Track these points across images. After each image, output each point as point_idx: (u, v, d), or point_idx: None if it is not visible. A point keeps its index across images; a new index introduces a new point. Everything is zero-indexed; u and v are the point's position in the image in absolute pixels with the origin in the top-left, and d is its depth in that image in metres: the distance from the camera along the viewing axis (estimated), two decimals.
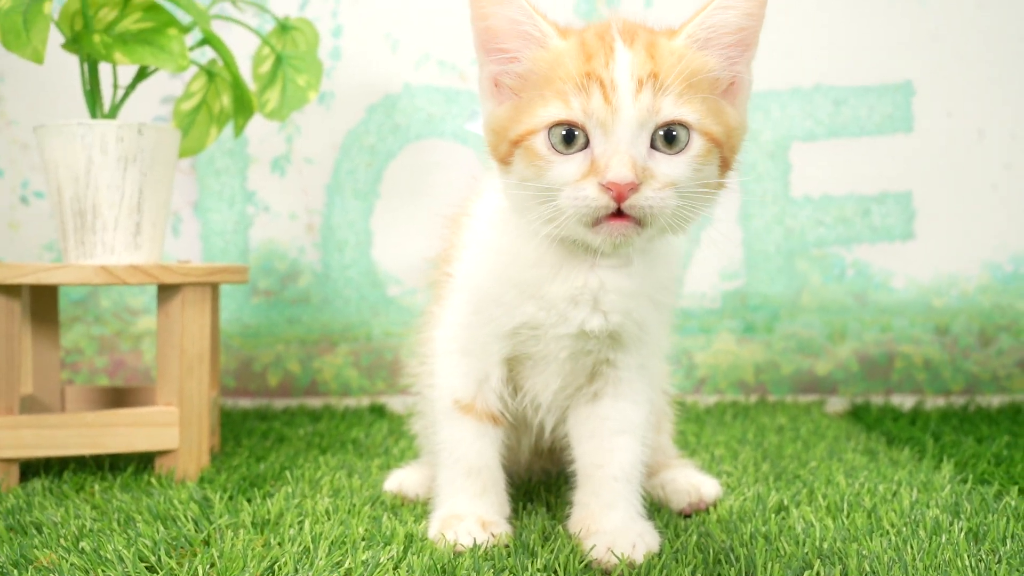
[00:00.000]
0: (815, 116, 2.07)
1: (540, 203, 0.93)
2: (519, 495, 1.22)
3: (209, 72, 1.68)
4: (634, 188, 0.88)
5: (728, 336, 2.09)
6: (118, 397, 1.66)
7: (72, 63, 1.82)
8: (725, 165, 0.95)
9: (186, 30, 1.50)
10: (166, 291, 1.44)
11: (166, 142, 1.51)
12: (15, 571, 0.95)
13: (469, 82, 2.11)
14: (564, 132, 0.91)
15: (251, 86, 1.71)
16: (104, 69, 1.56)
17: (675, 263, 1.07)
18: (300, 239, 2.13)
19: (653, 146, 0.90)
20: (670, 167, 0.90)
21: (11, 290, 1.38)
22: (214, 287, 1.57)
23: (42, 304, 1.58)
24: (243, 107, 1.63)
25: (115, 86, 1.55)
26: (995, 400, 2.02)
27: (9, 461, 1.37)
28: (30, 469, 1.44)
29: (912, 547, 0.99)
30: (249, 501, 1.22)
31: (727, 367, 2.09)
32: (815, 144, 2.07)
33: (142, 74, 1.56)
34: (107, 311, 2.13)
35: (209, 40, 1.55)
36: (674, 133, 0.90)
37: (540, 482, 1.30)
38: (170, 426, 1.41)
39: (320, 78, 1.67)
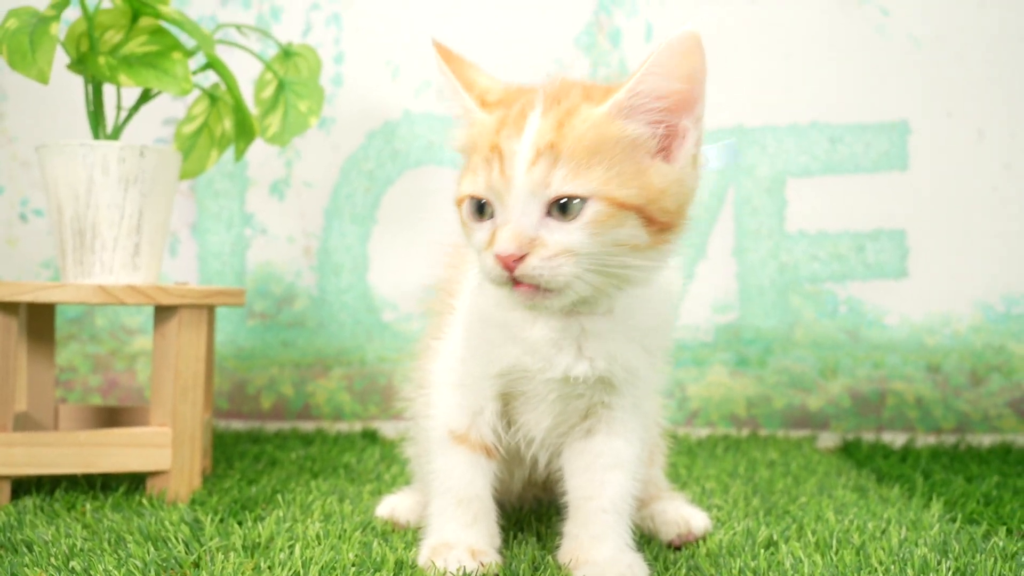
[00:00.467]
0: (811, 152, 2.09)
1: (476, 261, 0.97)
2: (510, 524, 1.23)
3: (212, 96, 1.69)
4: (519, 259, 0.89)
5: (721, 369, 2.10)
6: (111, 417, 1.66)
7: (76, 83, 1.83)
8: (658, 224, 0.91)
9: (190, 54, 1.52)
10: (163, 312, 1.44)
11: (167, 164, 1.52)
12: None
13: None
14: (475, 204, 0.94)
15: (253, 111, 1.73)
16: (108, 90, 1.58)
17: (664, 308, 1.07)
18: (297, 262, 2.14)
19: (550, 213, 0.91)
20: (563, 235, 0.90)
21: (9, 307, 1.39)
22: (210, 309, 1.57)
23: (39, 322, 1.59)
24: (245, 131, 1.64)
25: (118, 107, 1.56)
26: (986, 439, 2.02)
27: (1, 479, 1.37)
28: (21, 487, 1.44)
29: None
30: (240, 524, 1.22)
31: (719, 400, 2.09)
32: (811, 180, 2.09)
33: (145, 96, 1.58)
34: (102, 330, 2.13)
35: (213, 64, 1.56)
36: (565, 203, 0.90)
37: (531, 511, 1.31)
38: (163, 447, 1.42)
39: (321, 104, 1.68)
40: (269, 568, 1.03)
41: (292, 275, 2.13)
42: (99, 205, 1.46)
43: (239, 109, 1.62)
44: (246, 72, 1.91)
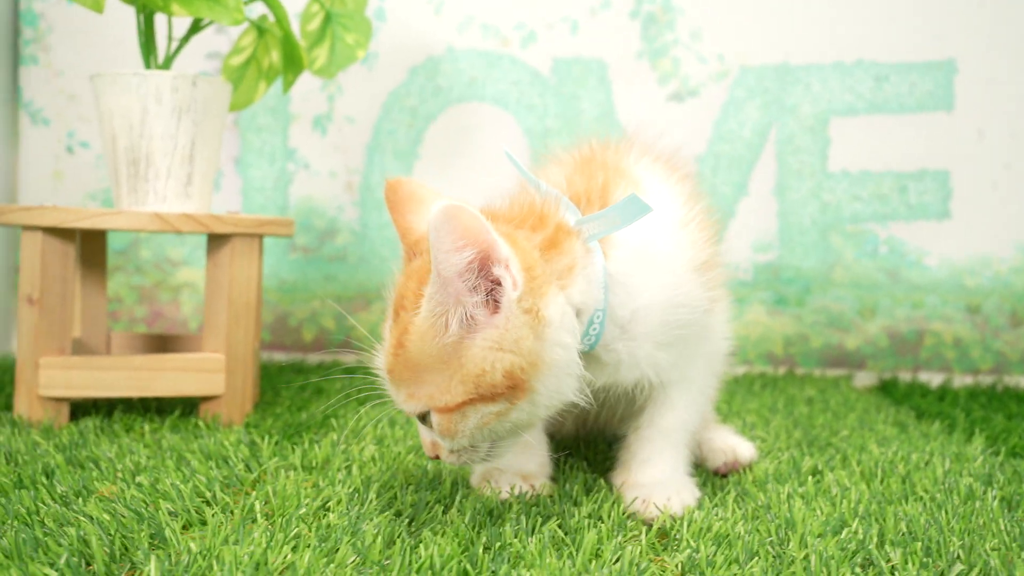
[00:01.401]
0: (855, 91, 2.07)
1: None
2: (560, 449, 1.25)
3: (259, 28, 1.70)
4: (437, 457, 0.95)
5: (759, 308, 2.11)
6: (162, 344, 1.69)
7: (121, 16, 1.84)
8: (503, 393, 0.89)
9: None
10: (216, 241, 1.47)
11: (218, 95, 1.53)
12: (78, 500, 0.99)
13: (511, 47, 2.13)
14: None
15: (300, 43, 1.73)
16: (159, 21, 1.59)
17: (663, 296, 1.01)
18: (339, 197, 2.15)
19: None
20: (440, 440, 0.94)
21: (66, 234, 1.42)
22: (260, 239, 1.59)
23: (91, 250, 1.62)
24: (293, 63, 1.65)
25: (169, 38, 1.57)
26: (1023, 381, 2.03)
27: (60, 400, 1.41)
28: (79, 409, 1.47)
29: (947, 511, 1.02)
30: (295, 446, 1.25)
31: (757, 338, 2.11)
32: (855, 119, 2.08)
33: (195, 27, 1.59)
34: (147, 262, 2.16)
35: None
36: (422, 415, 0.93)
37: (583, 440, 1.33)
38: (216, 372, 1.45)
39: (369, 37, 1.68)
40: (330, 485, 1.06)
41: (334, 210, 2.15)
42: (152, 135, 1.48)
43: (288, 41, 1.63)
44: (291, 4, 1.92)
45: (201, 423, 1.40)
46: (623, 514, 0.99)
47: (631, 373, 1.03)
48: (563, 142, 2.02)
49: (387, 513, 0.96)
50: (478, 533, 0.91)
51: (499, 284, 0.87)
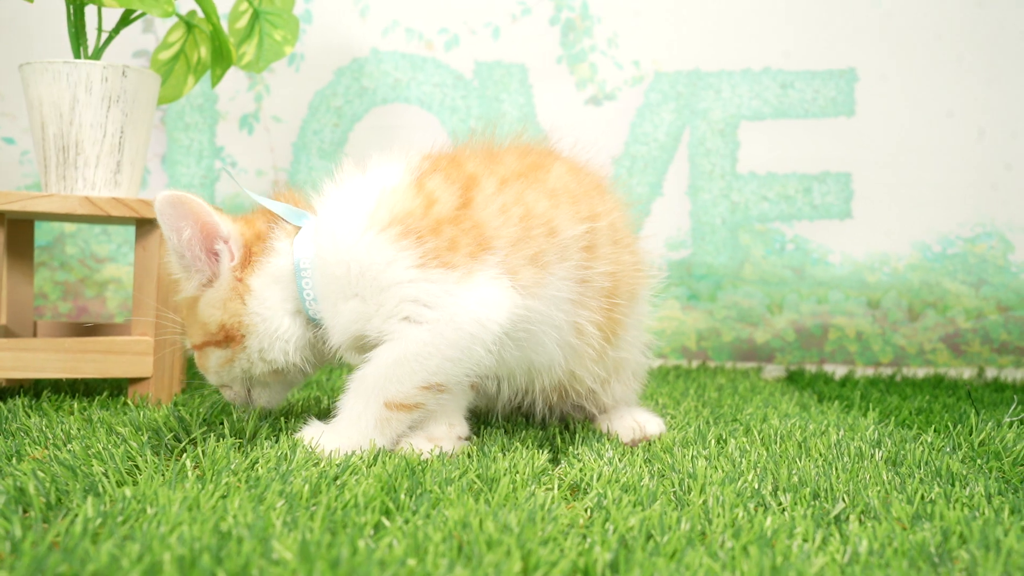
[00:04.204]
0: (763, 97, 2.18)
1: None
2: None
3: (188, 23, 1.74)
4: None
5: (674, 303, 2.19)
6: (88, 333, 1.71)
7: (43, 8, 1.86)
8: (219, 341, 1.19)
9: None
10: (145, 226, 1.50)
11: (147, 85, 1.57)
12: (11, 462, 1.02)
13: (435, 50, 2.19)
14: None
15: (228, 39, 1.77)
16: (88, 14, 1.62)
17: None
18: (265, 195, 2.18)
19: None
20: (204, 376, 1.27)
21: None
22: None
23: (17, 239, 1.63)
24: (221, 58, 1.69)
25: (99, 30, 1.60)
26: (920, 372, 2.15)
27: None
28: (4, 392, 1.49)
29: (836, 468, 1.10)
30: (224, 420, 1.29)
31: (672, 333, 2.19)
32: (762, 123, 2.18)
33: (126, 19, 1.62)
34: (72, 257, 2.17)
35: None
36: None
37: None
38: (145, 355, 1.48)
39: (296, 34, 1.74)
40: (258, 448, 1.11)
41: None
42: (82, 123, 1.51)
43: (217, 35, 1.67)
44: (220, 4, 1.95)
45: (130, 402, 1.43)
46: (536, 469, 1.06)
47: (340, 329, 1.15)
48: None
49: (313, 469, 1.01)
50: (399, 481, 0.96)
51: (218, 257, 1.17)
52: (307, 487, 0.91)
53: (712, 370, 2.10)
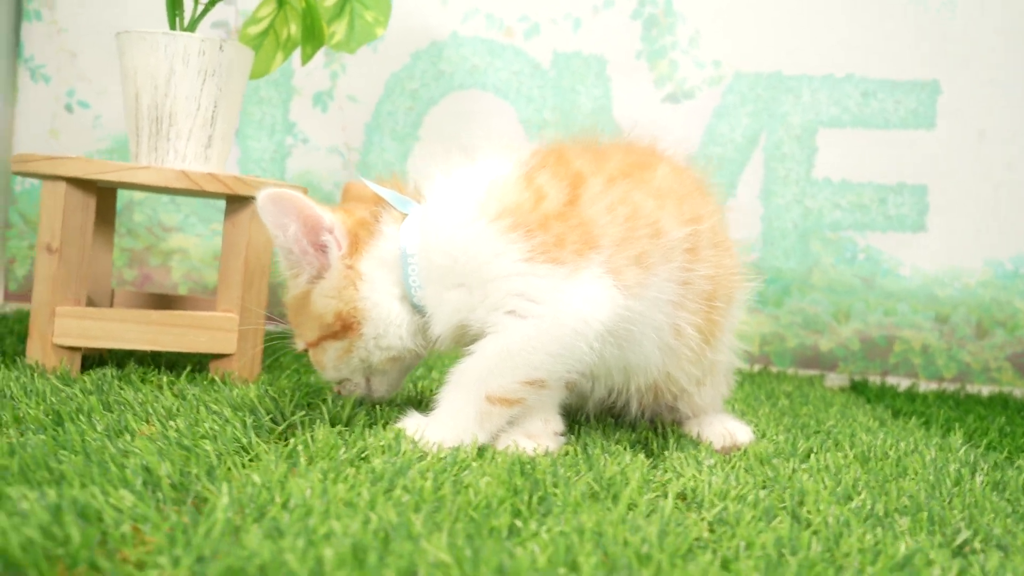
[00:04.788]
0: (843, 104, 2.16)
1: None
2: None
3: (279, 0, 1.73)
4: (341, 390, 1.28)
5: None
6: (166, 303, 1.72)
7: None
8: (338, 332, 1.18)
9: None
10: (236, 202, 1.50)
11: (242, 60, 1.56)
12: (120, 439, 1.02)
13: (515, 38, 2.18)
14: None
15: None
16: None
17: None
18: (337, 174, 2.19)
19: None
20: (320, 373, 1.27)
21: (88, 185, 1.44)
22: None
23: (102, 207, 1.63)
24: (313, 36, 1.68)
25: (196, 1, 1.60)
26: (984, 390, 2.13)
27: (74, 349, 1.43)
28: (87, 361, 1.49)
29: (942, 491, 1.09)
30: (320, 403, 1.29)
31: (736, 335, 2.18)
32: (841, 131, 2.16)
33: None
34: (140, 225, 2.18)
35: None
36: None
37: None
38: (230, 332, 1.48)
39: (388, 15, 1.73)
40: (361, 438, 1.10)
41: (331, 185, 2.18)
42: (177, 95, 1.50)
43: (311, 12, 1.66)
44: None
45: (217, 379, 1.43)
46: (645, 475, 1.05)
47: (443, 318, 1.15)
48: (558, 134, 2.08)
49: (425, 462, 1.00)
50: (517, 481, 0.95)
51: (326, 247, 1.16)
52: (428, 483, 0.91)
53: (775, 375, 2.09)
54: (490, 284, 1.11)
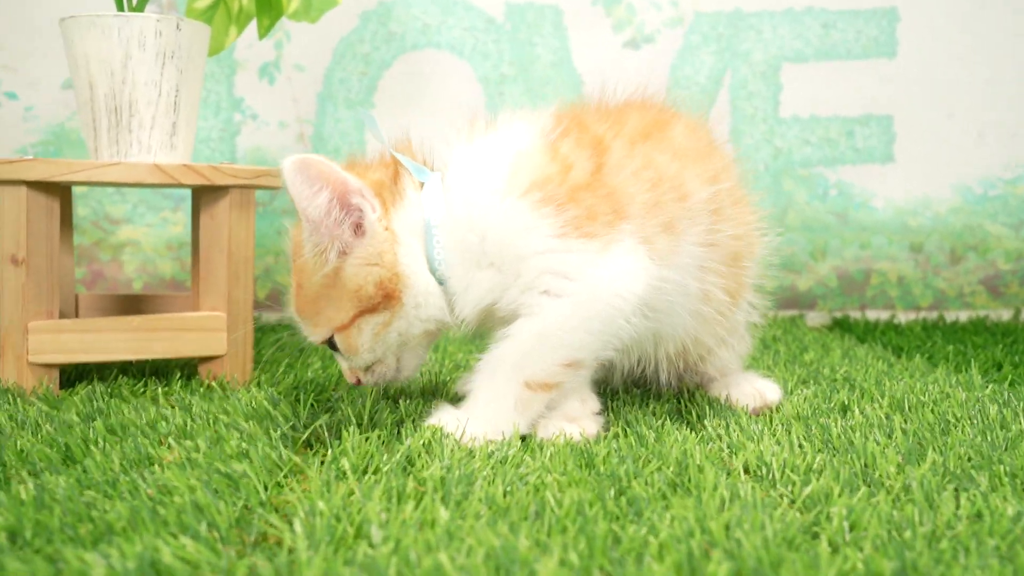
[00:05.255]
0: (805, 37, 2.12)
1: None
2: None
3: None
4: (359, 383, 1.14)
5: None
6: (138, 304, 1.61)
7: None
8: (379, 302, 1.07)
9: None
10: (211, 193, 1.40)
11: (200, 39, 1.45)
12: (147, 470, 0.93)
13: None
14: None
15: None
16: None
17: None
18: (290, 148, 2.08)
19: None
20: (348, 362, 1.12)
21: (52, 188, 1.33)
22: (254, 191, 1.53)
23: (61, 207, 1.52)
24: (270, 6, 1.58)
25: None
26: (961, 315, 2.14)
27: (50, 366, 1.33)
28: (65, 376, 1.39)
29: (997, 439, 1.07)
30: (328, 407, 1.22)
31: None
32: (804, 66, 2.13)
33: None
34: (85, 219, 2.05)
35: None
36: (330, 342, 1.11)
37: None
38: (218, 331, 1.39)
39: None
40: (396, 441, 1.04)
41: None
42: (136, 82, 1.39)
43: None
44: None
45: (213, 384, 1.34)
46: (708, 452, 1.00)
47: (473, 300, 1.09)
48: (518, 89, 2.01)
49: (476, 462, 0.94)
50: (588, 477, 0.90)
51: (360, 211, 1.05)
52: (500, 489, 0.85)
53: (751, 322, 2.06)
54: (523, 263, 1.05)
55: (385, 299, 1.06)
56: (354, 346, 1.09)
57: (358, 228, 1.06)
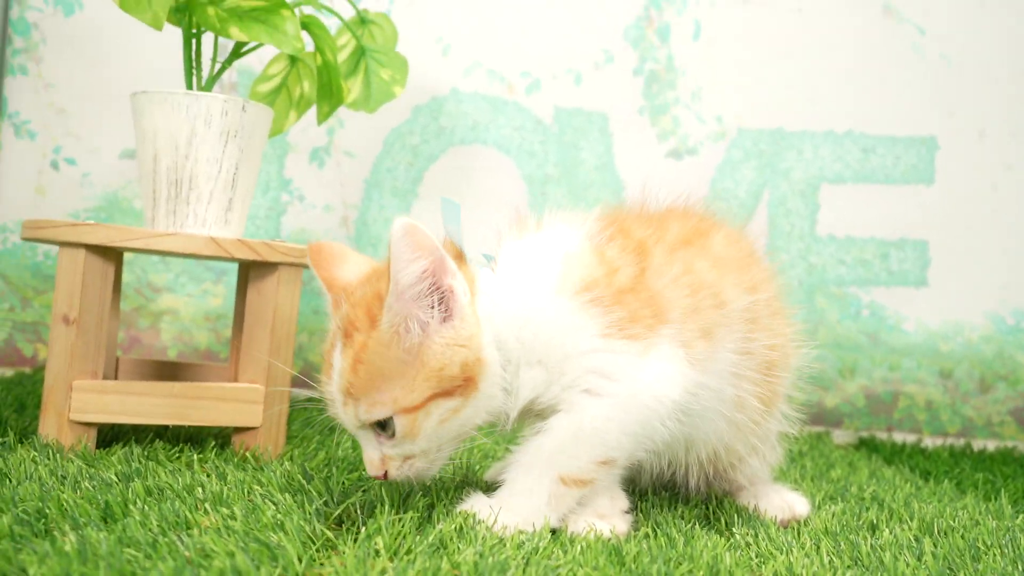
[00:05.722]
0: (845, 160, 2.17)
1: None
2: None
3: (292, 56, 1.68)
4: (385, 476, 1.08)
5: None
6: (175, 371, 1.64)
7: (117, 32, 1.80)
8: (458, 388, 1.04)
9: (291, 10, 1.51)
10: (261, 269, 1.44)
11: (262, 121, 1.51)
12: (182, 531, 0.95)
13: (516, 93, 2.15)
14: None
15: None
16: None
17: None
18: (334, 232, 2.13)
19: (379, 432, 1.07)
20: (396, 449, 1.06)
21: (109, 253, 1.37)
22: (302, 269, 1.56)
23: None
24: (331, 94, 1.64)
25: (214, 60, 1.54)
26: (989, 444, 2.13)
27: (89, 425, 1.35)
28: (100, 435, 1.41)
29: None
30: (361, 487, 1.23)
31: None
32: (843, 187, 2.17)
33: (237, 51, 1.56)
34: (128, 286, 2.09)
35: (308, 24, 1.55)
36: (383, 422, 1.05)
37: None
38: (255, 403, 1.41)
39: (406, 74, 1.69)
40: (427, 523, 1.05)
41: None
42: (198, 157, 1.45)
43: (327, 70, 1.61)
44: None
45: (249, 456, 1.36)
46: (738, 558, 1.01)
47: (521, 397, 1.09)
48: (561, 190, 2.05)
49: (508, 551, 0.95)
50: (616, 572, 0.91)
51: (450, 292, 1.03)
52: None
53: (782, 434, 2.06)
54: (568, 361, 1.07)
55: (465, 383, 1.03)
56: (416, 431, 1.04)
57: (444, 308, 1.03)
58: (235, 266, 2.05)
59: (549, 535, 1.05)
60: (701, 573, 0.93)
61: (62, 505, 1.01)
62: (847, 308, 2.17)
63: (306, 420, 1.69)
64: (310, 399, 1.18)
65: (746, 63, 2.16)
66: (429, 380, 1.02)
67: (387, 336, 1.02)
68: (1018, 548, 1.15)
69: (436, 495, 1.19)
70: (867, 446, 2.00)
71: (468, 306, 1.04)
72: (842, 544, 1.11)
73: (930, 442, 2.12)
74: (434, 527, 1.02)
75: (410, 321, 1.02)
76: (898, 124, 2.17)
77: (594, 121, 2.16)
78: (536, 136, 2.15)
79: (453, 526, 1.03)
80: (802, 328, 1.31)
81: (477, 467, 1.44)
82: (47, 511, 0.98)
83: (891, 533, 1.18)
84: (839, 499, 1.40)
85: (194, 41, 1.51)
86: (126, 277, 2.08)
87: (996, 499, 1.47)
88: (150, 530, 0.94)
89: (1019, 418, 2.17)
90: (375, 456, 1.07)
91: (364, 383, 1.03)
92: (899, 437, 2.14)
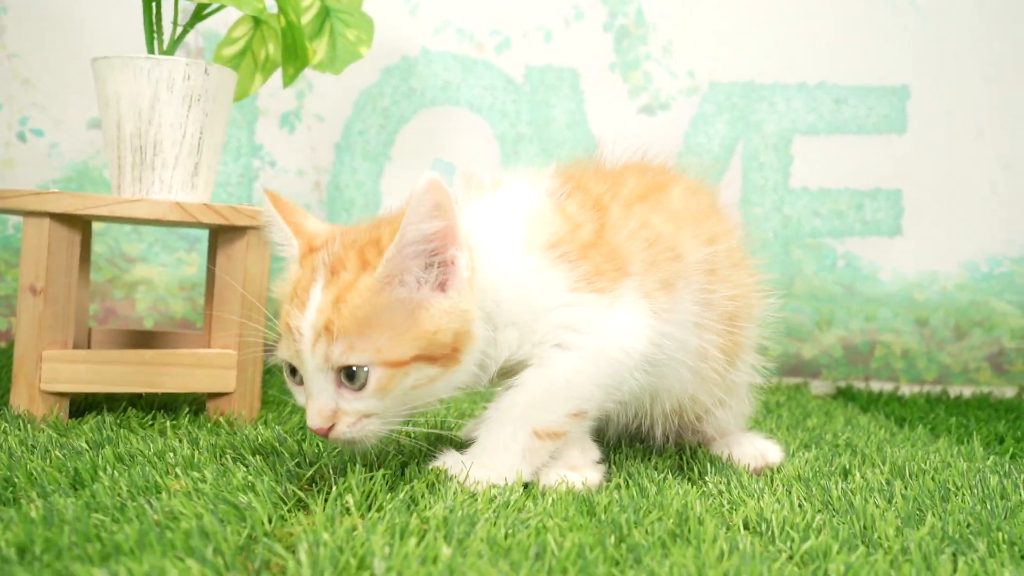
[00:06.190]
0: (817, 111, 2.16)
1: None
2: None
3: (256, 19, 1.66)
4: (328, 431, 1.00)
5: None
6: (148, 340, 1.63)
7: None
8: (442, 357, 1.01)
9: None
10: (229, 233, 1.43)
11: (227, 84, 1.49)
12: (152, 495, 0.95)
13: (486, 52, 2.14)
14: (288, 367, 1.06)
15: None
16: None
17: None
18: (306, 196, 2.12)
19: (341, 383, 1.00)
20: (358, 403, 1.00)
21: (74, 221, 1.35)
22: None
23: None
24: (296, 56, 1.62)
25: (175, 23, 1.52)
26: (965, 391, 2.15)
27: (62, 395, 1.34)
28: (74, 405, 1.41)
29: (997, 507, 1.07)
30: (333, 448, 1.23)
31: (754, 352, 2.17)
32: (816, 138, 2.16)
33: (199, 14, 1.54)
34: (100, 256, 2.08)
35: None
36: (352, 371, 0.99)
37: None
38: (228, 369, 1.41)
39: (372, 34, 1.67)
40: (403, 482, 1.05)
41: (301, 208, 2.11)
42: (162, 122, 1.43)
43: (292, 31, 1.59)
44: None
45: (223, 421, 1.35)
46: (708, 505, 1.01)
47: (496, 359, 1.08)
48: (534, 149, 2.04)
49: (479, 504, 0.95)
50: (589, 523, 0.91)
51: (452, 262, 1.01)
52: (501, 532, 0.86)
53: (759, 386, 2.07)
54: (539, 319, 1.07)
55: (451, 353, 1.01)
56: (389, 388, 0.99)
57: (443, 277, 1.01)
58: (207, 233, 2.04)
59: (521, 489, 1.05)
60: (671, 521, 0.93)
61: (30, 473, 1.01)
62: (822, 259, 2.17)
63: (281, 385, 1.69)
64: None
65: (717, 16, 2.15)
66: (419, 340, 0.99)
67: (379, 283, 0.98)
68: (987, 488, 1.16)
69: (409, 454, 1.19)
70: (844, 396, 2.01)
71: (468, 282, 1.02)
72: (813, 489, 1.12)
73: (907, 390, 2.14)
74: (407, 484, 1.02)
75: (406, 275, 0.99)
76: (870, 74, 2.16)
77: (565, 78, 2.15)
78: (507, 95, 2.14)
79: (425, 483, 1.03)
80: (768, 278, 1.30)
81: (452, 425, 1.44)
82: (15, 480, 0.98)
83: (862, 477, 1.19)
84: (813, 446, 1.41)
85: (154, 5, 1.48)
86: (99, 248, 2.07)
87: (968, 442, 1.48)
88: (119, 495, 0.94)
89: (994, 364, 2.18)
90: (328, 405, 1.00)
91: (347, 323, 0.98)
92: (876, 386, 2.15)
